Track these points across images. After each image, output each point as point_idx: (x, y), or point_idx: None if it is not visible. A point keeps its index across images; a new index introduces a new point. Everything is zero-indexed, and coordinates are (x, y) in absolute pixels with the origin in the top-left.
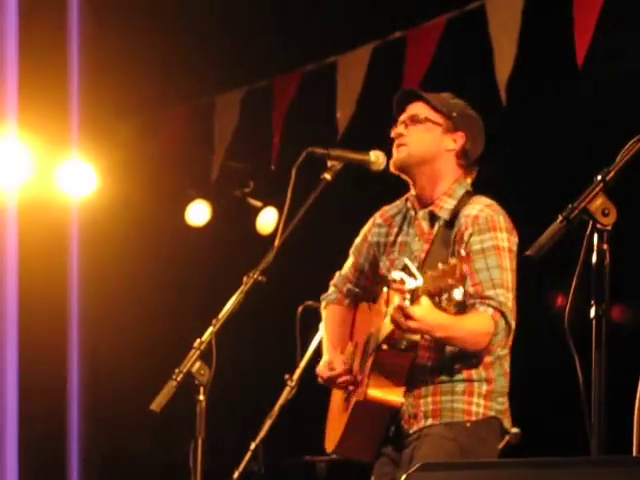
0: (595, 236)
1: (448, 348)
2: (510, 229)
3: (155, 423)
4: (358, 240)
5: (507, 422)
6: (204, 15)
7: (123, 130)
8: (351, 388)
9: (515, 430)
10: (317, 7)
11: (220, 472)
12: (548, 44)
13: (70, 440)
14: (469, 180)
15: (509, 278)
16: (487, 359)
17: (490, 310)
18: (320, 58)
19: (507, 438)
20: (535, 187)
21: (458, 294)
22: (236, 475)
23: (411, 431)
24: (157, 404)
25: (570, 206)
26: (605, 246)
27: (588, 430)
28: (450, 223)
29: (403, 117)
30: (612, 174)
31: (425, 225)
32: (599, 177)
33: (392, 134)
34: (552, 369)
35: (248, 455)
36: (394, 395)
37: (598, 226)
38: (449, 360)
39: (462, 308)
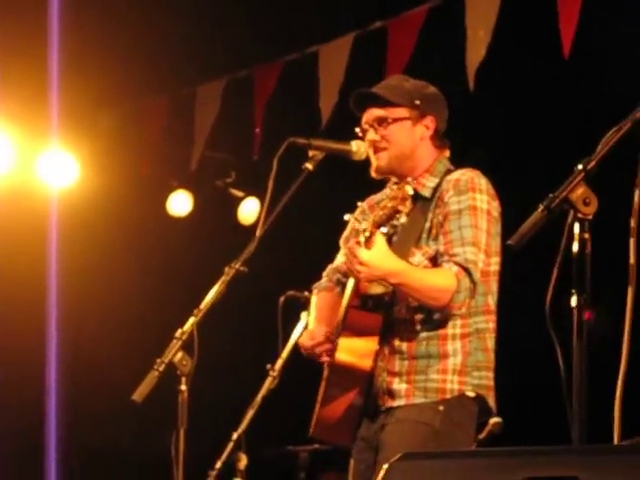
0: (576, 225)
1: (422, 318)
2: (492, 194)
3: (137, 414)
4: (346, 231)
5: (492, 400)
6: (185, 5)
7: (104, 120)
8: (328, 359)
9: (496, 419)
10: None
11: (202, 462)
12: (529, 34)
13: (48, 430)
14: (447, 153)
15: (483, 239)
16: (464, 330)
17: (454, 267)
18: (301, 48)
19: (489, 427)
20: (517, 176)
21: (403, 218)
22: (218, 465)
23: (384, 408)
24: (139, 394)
25: (551, 195)
26: (586, 235)
27: (569, 419)
28: (430, 199)
29: (368, 119)
30: (593, 163)
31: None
32: (580, 166)
33: (359, 134)
34: (534, 358)
35: (230, 445)
36: (363, 358)
37: (579, 215)
38: (424, 332)
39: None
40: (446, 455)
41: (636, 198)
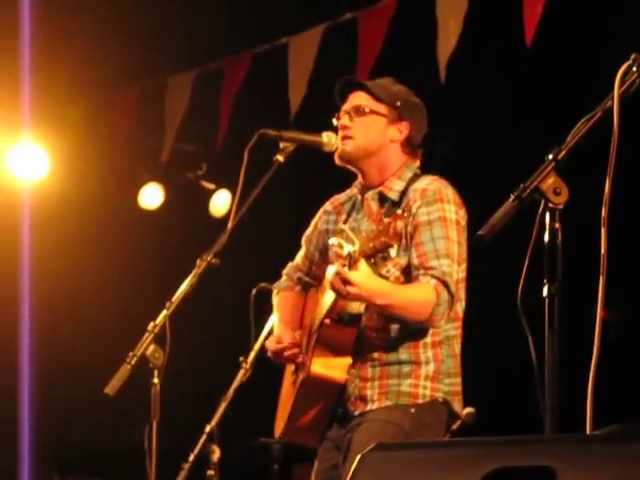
0: (547, 215)
1: (394, 327)
2: (459, 203)
3: (110, 406)
4: (309, 230)
5: (458, 405)
6: None
7: (75, 113)
8: (299, 360)
9: (469, 410)
10: None
11: (175, 455)
12: (497, 24)
13: (22, 423)
14: (417, 163)
15: (455, 249)
16: (436, 338)
17: (433, 281)
18: (271, 39)
19: (461, 420)
20: (486, 166)
21: (393, 252)
22: (191, 458)
23: (356, 413)
24: (111, 388)
25: (522, 185)
26: (557, 225)
27: (541, 409)
28: (398, 203)
29: (347, 107)
30: (563, 153)
31: (374, 205)
32: (550, 156)
33: (336, 124)
34: (507, 349)
35: (203, 438)
36: (337, 371)
37: (550, 205)
38: (396, 340)
39: (407, 278)
40: (418, 446)
41: (607, 188)
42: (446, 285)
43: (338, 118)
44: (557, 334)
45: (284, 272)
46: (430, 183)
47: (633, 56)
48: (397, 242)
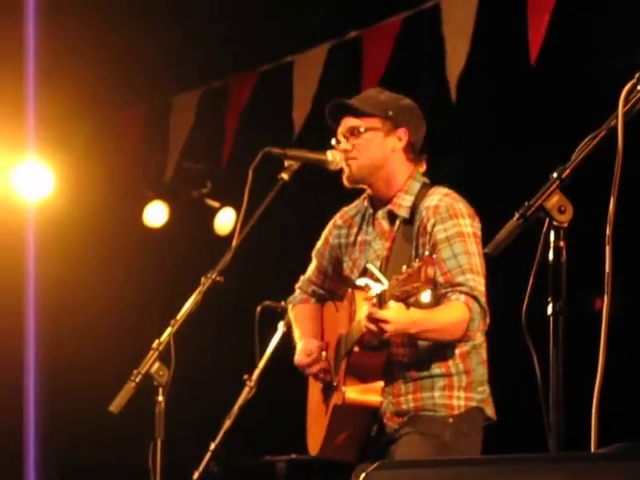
0: (552, 233)
1: (422, 344)
2: (472, 215)
3: (114, 424)
4: (320, 243)
5: (489, 409)
6: (160, 16)
7: (80, 131)
8: (327, 378)
9: None
10: (273, 7)
11: (180, 473)
12: (504, 42)
13: (27, 442)
14: (422, 169)
15: (477, 262)
16: (463, 349)
17: (462, 297)
18: (276, 57)
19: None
20: (493, 185)
21: (425, 297)
22: (196, 476)
23: (394, 427)
24: (116, 405)
25: (527, 204)
26: (562, 243)
27: (546, 427)
28: (410, 220)
29: (342, 130)
30: (568, 172)
31: (385, 224)
32: (555, 175)
33: (335, 147)
34: (511, 367)
35: (208, 455)
36: (372, 395)
37: (554, 223)
38: (425, 355)
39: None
40: (422, 464)
41: (611, 206)
42: (476, 299)
43: (337, 140)
44: (561, 352)
45: (297, 286)
46: (441, 199)
47: (638, 75)
48: (430, 287)
